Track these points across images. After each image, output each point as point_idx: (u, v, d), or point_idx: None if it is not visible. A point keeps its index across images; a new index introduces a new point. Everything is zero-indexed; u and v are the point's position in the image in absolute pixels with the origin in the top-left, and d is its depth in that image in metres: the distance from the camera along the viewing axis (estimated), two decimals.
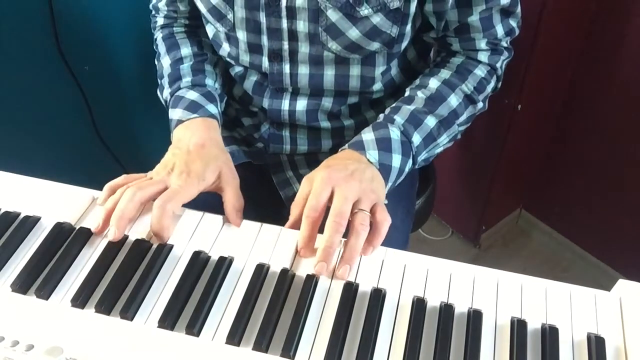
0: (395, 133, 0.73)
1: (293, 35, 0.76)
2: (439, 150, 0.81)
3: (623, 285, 0.61)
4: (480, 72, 0.80)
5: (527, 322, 0.58)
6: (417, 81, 0.81)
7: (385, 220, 0.65)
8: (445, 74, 0.79)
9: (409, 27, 0.76)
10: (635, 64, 1.24)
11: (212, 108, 0.80)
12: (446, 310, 0.59)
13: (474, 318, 0.58)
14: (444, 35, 0.81)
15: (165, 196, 0.66)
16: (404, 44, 0.79)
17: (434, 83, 0.78)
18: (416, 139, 0.74)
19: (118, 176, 0.72)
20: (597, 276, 1.57)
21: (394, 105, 0.77)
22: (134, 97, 1.41)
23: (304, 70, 0.80)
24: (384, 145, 0.72)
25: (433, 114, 0.75)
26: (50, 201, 0.70)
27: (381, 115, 0.77)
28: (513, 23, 0.80)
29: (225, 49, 0.84)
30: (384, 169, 0.71)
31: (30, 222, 0.67)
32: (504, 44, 0.82)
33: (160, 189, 0.68)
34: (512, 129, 1.37)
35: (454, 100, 0.78)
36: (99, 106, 1.33)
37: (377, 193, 0.67)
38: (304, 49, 0.77)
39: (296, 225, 0.66)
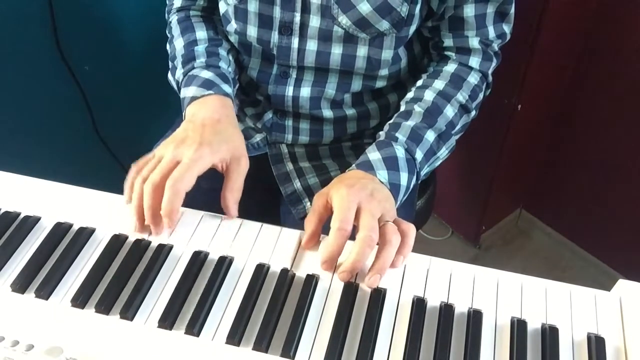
0: (400, 151, 0.73)
1: (305, 7, 0.77)
2: (438, 163, 0.82)
3: (623, 285, 0.61)
4: (473, 79, 0.82)
5: (527, 322, 0.58)
6: (412, 94, 0.81)
7: (410, 230, 0.65)
8: (439, 84, 0.80)
9: (418, 8, 0.77)
10: (636, 63, 1.24)
11: (226, 88, 0.79)
12: (446, 310, 0.59)
13: (474, 318, 0.58)
14: (438, 30, 0.81)
15: (176, 175, 0.64)
16: (412, 28, 0.79)
17: (429, 95, 0.79)
18: (419, 155, 0.75)
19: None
20: (597, 276, 1.57)
21: (392, 121, 0.78)
22: (134, 97, 1.41)
23: (312, 46, 0.80)
24: (391, 164, 0.72)
25: (432, 128, 0.76)
26: (50, 201, 0.70)
27: (381, 133, 0.77)
28: (506, 28, 0.82)
29: (233, 25, 0.83)
30: (394, 188, 0.71)
31: (30, 222, 0.67)
32: (495, 47, 0.83)
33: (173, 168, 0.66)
34: (512, 129, 1.37)
35: (450, 111, 0.78)
36: (99, 106, 1.33)
37: (392, 211, 0.68)
38: (314, 22, 0.78)
39: (313, 241, 0.65)
